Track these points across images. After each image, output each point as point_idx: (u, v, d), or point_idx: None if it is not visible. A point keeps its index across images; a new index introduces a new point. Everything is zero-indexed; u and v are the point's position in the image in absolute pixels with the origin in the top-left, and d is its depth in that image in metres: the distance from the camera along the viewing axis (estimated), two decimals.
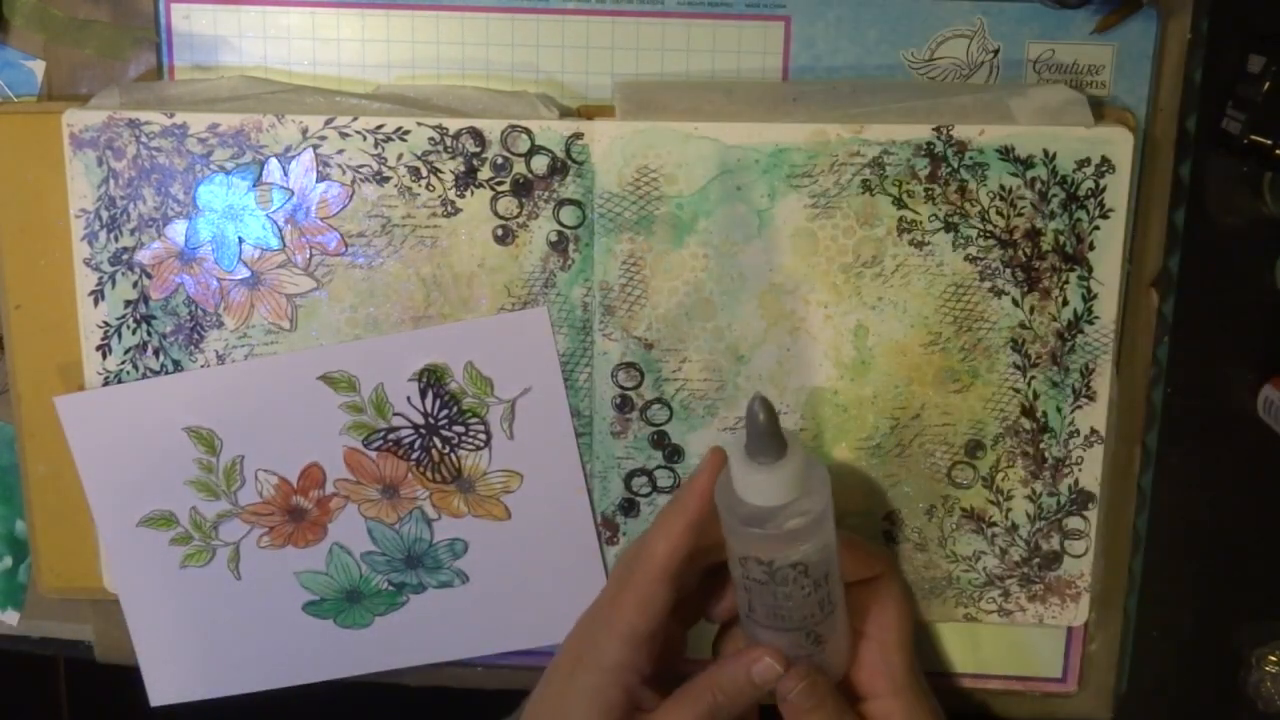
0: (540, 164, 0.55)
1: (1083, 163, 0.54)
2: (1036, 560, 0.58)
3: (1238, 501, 0.61)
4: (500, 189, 0.55)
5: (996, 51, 0.56)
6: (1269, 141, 0.54)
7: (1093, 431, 0.56)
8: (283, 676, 0.60)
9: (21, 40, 0.57)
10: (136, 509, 0.58)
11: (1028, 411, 0.56)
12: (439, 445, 0.57)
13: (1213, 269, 0.58)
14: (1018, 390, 0.56)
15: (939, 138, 0.54)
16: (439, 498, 0.58)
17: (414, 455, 0.57)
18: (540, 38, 0.57)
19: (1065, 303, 0.55)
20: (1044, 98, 0.55)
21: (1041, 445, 0.57)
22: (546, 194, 0.55)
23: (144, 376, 0.56)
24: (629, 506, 0.58)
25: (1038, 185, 0.54)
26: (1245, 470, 0.60)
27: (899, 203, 0.54)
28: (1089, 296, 0.55)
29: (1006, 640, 0.61)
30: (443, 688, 0.62)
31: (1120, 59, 0.56)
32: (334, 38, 0.57)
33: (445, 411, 0.56)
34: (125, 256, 0.55)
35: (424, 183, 0.55)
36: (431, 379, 0.56)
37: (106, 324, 0.56)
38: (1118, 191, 0.54)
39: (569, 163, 0.54)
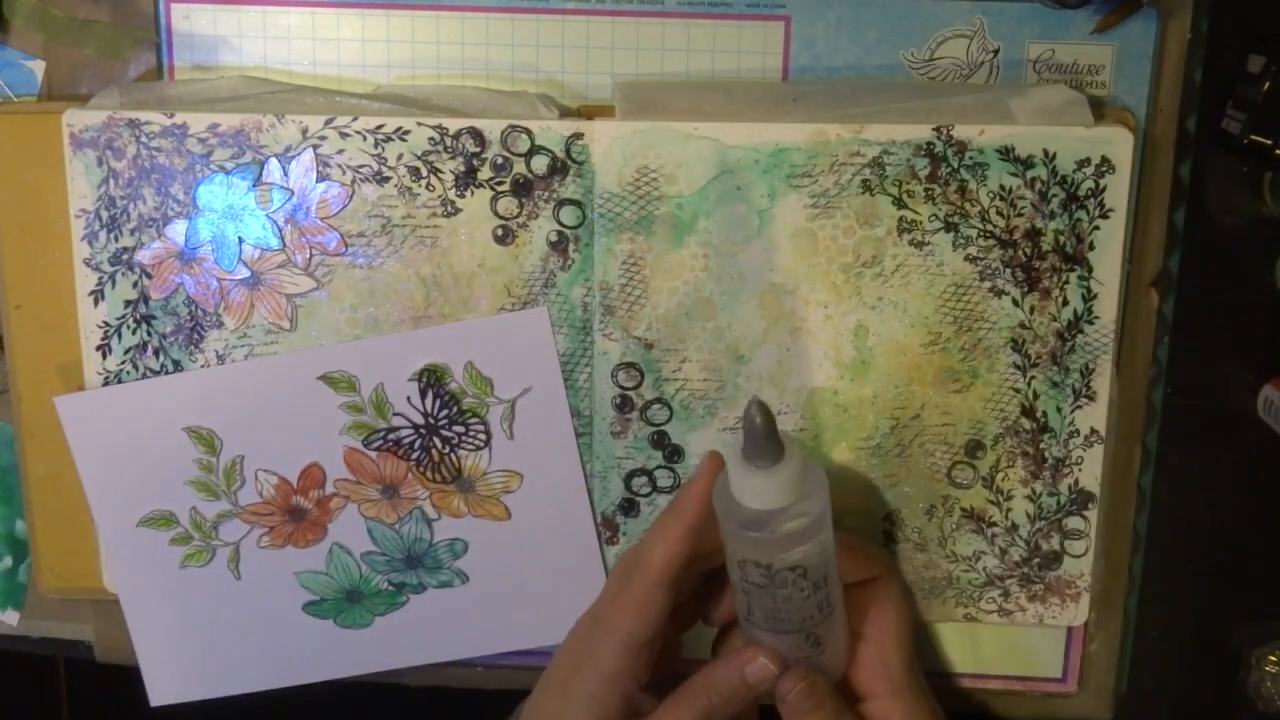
0: (540, 164, 0.55)
1: (1083, 163, 0.54)
2: (1036, 560, 0.58)
3: (1238, 501, 0.61)
4: (500, 189, 0.55)
5: (996, 51, 0.56)
6: (1269, 141, 0.54)
7: (1093, 431, 0.56)
8: (283, 676, 0.60)
9: (21, 40, 0.57)
10: (136, 509, 0.58)
11: (1028, 411, 0.56)
12: (439, 445, 0.57)
13: (1213, 269, 0.58)
14: (1018, 390, 0.56)
15: (939, 138, 0.54)
16: (439, 498, 0.58)
17: (414, 455, 0.57)
18: (540, 38, 0.57)
19: (1065, 303, 0.55)
20: (1044, 98, 0.55)
21: (1041, 445, 0.57)
22: (546, 194, 0.55)
23: (144, 376, 0.56)
24: (629, 506, 0.58)
25: (1038, 185, 0.54)
26: (1245, 470, 0.60)
27: (899, 203, 0.54)
28: (1089, 296, 0.55)
29: (1006, 640, 0.61)
30: (443, 688, 0.62)
31: (1120, 59, 0.56)
32: (334, 38, 0.57)
33: (445, 411, 0.56)
34: (125, 256, 0.55)
35: (424, 183, 0.55)
36: (431, 379, 0.56)
37: (106, 324, 0.56)
38: (1118, 191, 0.54)
39: (569, 163, 0.54)
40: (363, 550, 0.59)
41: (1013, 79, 0.56)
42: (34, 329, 0.58)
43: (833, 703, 0.50)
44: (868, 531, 0.58)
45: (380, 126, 0.54)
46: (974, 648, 0.61)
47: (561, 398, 0.57)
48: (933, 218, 0.55)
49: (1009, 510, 0.57)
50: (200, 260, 0.55)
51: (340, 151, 0.54)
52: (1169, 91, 0.56)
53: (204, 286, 0.56)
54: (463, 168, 0.55)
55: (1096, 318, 0.55)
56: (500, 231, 0.55)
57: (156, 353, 0.56)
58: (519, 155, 0.54)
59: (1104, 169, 0.54)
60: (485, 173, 0.55)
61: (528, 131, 0.54)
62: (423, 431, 0.57)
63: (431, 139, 0.54)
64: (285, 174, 0.55)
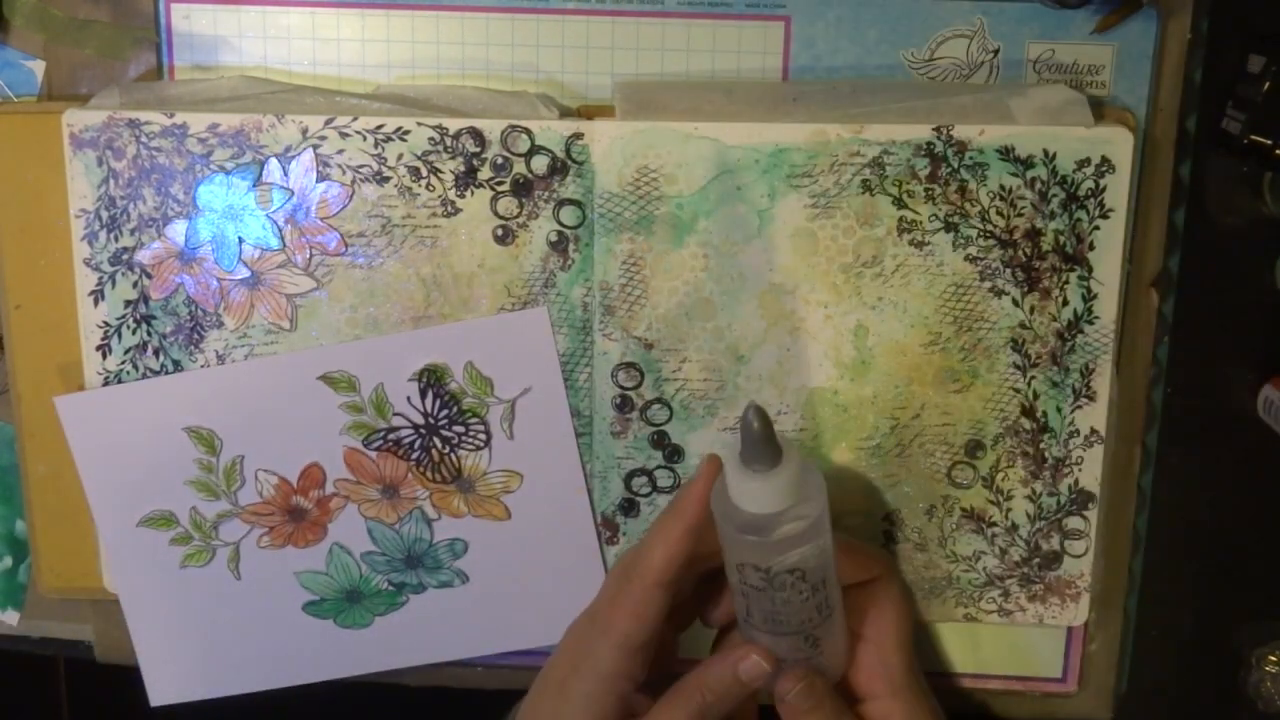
0: (540, 164, 0.55)
1: (1083, 163, 0.54)
2: (1036, 560, 0.58)
3: (1238, 501, 0.61)
4: (500, 189, 0.55)
5: (996, 51, 0.56)
6: (1269, 141, 0.54)
7: (1093, 431, 0.56)
8: (283, 676, 0.60)
9: (21, 40, 0.57)
10: (136, 509, 0.58)
11: (1028, 411, 0.56)
12: (439, 445, 0.57)
13: (1213, 269, 0.58)
14: (1018, 390, 0.56)
15: (939, 138, 0.54)
16: (439, 498, 0.58)
17: (414, 455, 0.57)
18: (540, 38, 0.57)
19: (1065, 303, 0.55)
20: (1044, 98, 0.55)
21: (1041, 445, 0.57)
22: (546, 194, 0.55)
23: (144, 376, 0.56)
24: (629, 506, 0.58)
25: (1038, 185, 0.54)
26: (1245, 470, 0.60)
27: (899, 203, 0.54)
28: (1089, 296, 0.55)
29: (1006, 640, 0.61)
30: (443, 688, 0.62)
31: (1120, 59, 0.56)
32: (334, 38, 0.57)
33: (445, 411, 0.56)
34: (125, 256, 0.55)
35: (424, 183, 0.55)
36: (431, 379, 0.56)
37: (106, 324, 0.56)
38: (1118, 191, 0.54)
39: (569, 163, 0.54)
40: (363, 550, 0.59)
41: (1013, 79, 0.56)
42: (34, 329, 0.58)
43: (831, 703, 0.50)
44: (868, 531, 0.58)
45: (380, 126, 0.54)
46: (974, 648, 0.61)
47: (561, 398, 0.57)
48: (933, 218, 0.55)
49: (1009, 510, 0.57)
50: (200, 260, 0.55)
51: (340, 151, 0.54)
52: (1169, 91, 0.56)
53: (204, 286, 0.56)
54: (463, 168, 0.55)
55: (1096, 318, 0.55)
56: (500, 231, 0.55)
57: (156, 353, 0.56)
58: (519, 155, 0.54)
59: (1104, 169, 0.54)
60: (485, 173, 0.55)
61: (528, 131, 0.54)
62: (423, 431, 0.57)
63: (431, 139, 0.54)
64: (285, 174, 0.55)
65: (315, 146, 0.54)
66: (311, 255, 0.55)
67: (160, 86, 0.57)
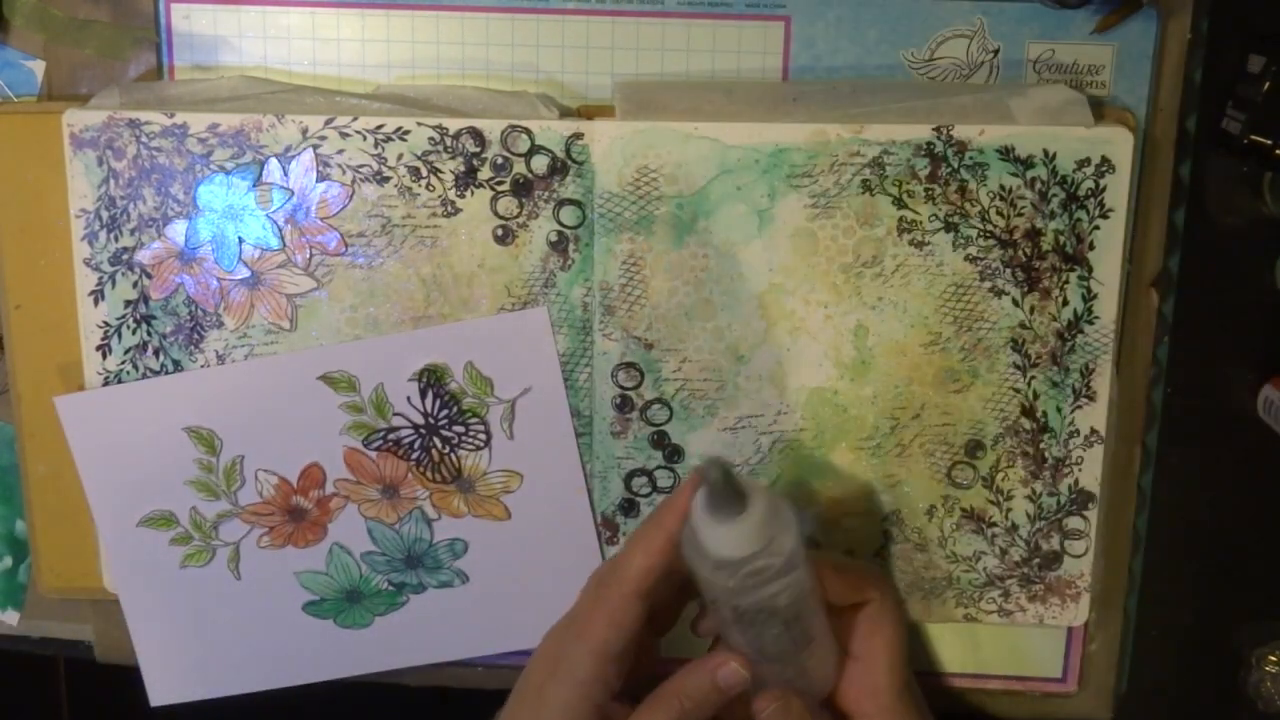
0: (540, 164, 0.55)
1: (1083, 163, 0.54)
2: (1036, 560, 0.58)
3: (1238, 501, 0.61)
4: (500, 189, 0.55)
5: (996, 51, 0.56)
6: (1269, 141, 0.54)
7: (1093, 431, 0.56)
8: (283, 676, 0.60)
9: (21, 40, 0.57)
10: (136, 509, 0.58)
11: (1028, 411, 0.56)
12: (439, 445, 0.57)
13: (1213, 269, 0.58)
14: (1018, 390, 0.56)
15: (939, 138, 0.54)
16: (439, 498, 0.58)
17: (414, 455, 0.57)
18: (540, 38, 0.57)
19: (1065, 303, 0.55)
20: (1044, 98, 0.55)
21: (1041, 445, 0.57)
22: (546, 194, 0.55)
23: (144, 376, 0.56)
24: (629, 506, 0.58)
25: (1038, 185, 0.54)
26: (1245, 470, 0.60)
27: (899, 203, 0.54)
28: (1089, 296, 0.55)
29: (1006, 640, 0.61)
30: (443, 688, 0.62)
31: (1120, 59, 0.56)
32: (334, 38, 0.57)
33: (445, 411, 0.56)
34: (125, 256, 0.55)
35: (424, 183, 0.55)
36: (431, 379, 0.56)
37: (106, 324, 0.56)
38: (1118, 191, 0.54)
39: (569, 163, 0.54)
40: (363, 550, 0.59)
41: (1013, 79, 0.56)
42: (34, 329, 0.58)
43: None
44: (868, 531, 0.58)
45: (380, 126, 0.54)
46: (974, 648, 0.61)
47: (561, 398, 0.57)
48: (933, 218, 0.55)
49: (1009, 510, 0.57)
50: (200, 260, 0.55)
51: (340, 151, 0.54)
52: (1169, 91, 0.56)
53: (204, 286, 0.56)
54: (463, 168, 0.55)
55: (1096, 318, 0.55)
56: (500, 231, 0.55)
57: (156, 353, 0.56)
58: (519, 155, 0.54)
59: (1104, 169, 0.54)
60: (485, 173, 0.55)
61: (528, 131, 0.54)
62: (423, 431, 0.57)
63: (431, 139, 0.54)
64: (285, 174, 0.55)
65: (315, 146, 0.54)
66: (311, 255, 0.55)
67: (160, 86, 0.57)
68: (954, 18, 0.56)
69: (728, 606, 0.47)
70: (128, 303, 0.56)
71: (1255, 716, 0.62)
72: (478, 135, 0.54)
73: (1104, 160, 0.54)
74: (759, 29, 0.56)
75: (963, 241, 0.55)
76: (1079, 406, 0.56)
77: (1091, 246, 0.55)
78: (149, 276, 0.56)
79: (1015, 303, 0.55)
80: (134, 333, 0.56)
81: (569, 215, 0.55)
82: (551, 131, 0.54)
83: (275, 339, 0.56)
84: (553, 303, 0.56)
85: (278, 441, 0.57)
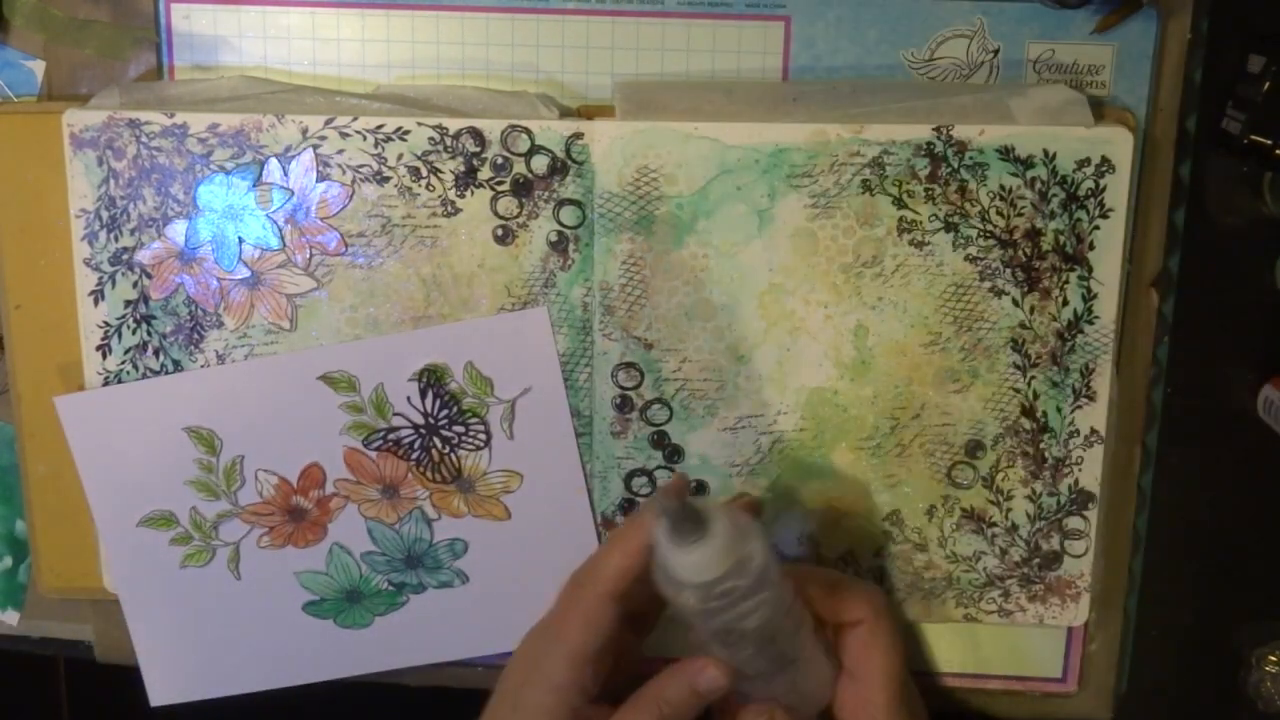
0: (540, 164, 0.55)
1: (1083, 163, 0.54)
2: (1036, 560, 0.58)
3: (1238, 501, 0.61)
4: (500, 189, 0.55)
5: (996, 51, 0.56)
6: (1269, 141, 0.54)
7: (1093, 431, 0.56)
8: (283, 676, 0.60)
9: (21, 40, 0.57)
10: (136, 509, 0.58)
11: (1028, 411, 0.56)
12: (439, 445, 0.57)
13: (1213, 269, 0.58)
14: (1018, 390, 0.56)
15: (939, 138, 0.54)
16: (439, 498, 0.58)
17: (414, 455, 0.57)
18: (540, 38, 0.57)
19: (1065, 303, 0.55)
20: (1044, 98, 0.55)
21: (1041, 445, 0.57)
22: (546, 194, 0.55)
23: (144, 376, 0.56)
24: (629, 506, 0.58)
25: (1038, 185, 0.54)
26: (1245, 470, 0.60)
27: (899, 203, 0.54)
28: (1089, 296, 0.55)
29: (1006, 640, 0.61)
30: (443, 688, 0.62)
31: (1120, 59, 0.56)
32: (334, 38, 0.57)
33: (445, 411, 0.56)
34: (125, 256, 0.55)
35: (424, 183, 0.55)
36: (431, 379, 0.56)
37: (106, 324, 0.56)
38: (1118, 191, 0.54)
39: (569, 163, 0.54)
40: (363, 550, 0.59)
41: (1013, 79, 0.56)
42: (34, 329, 0.58)
43: None
44: (868, 531, 0.58)
45: (380, 126, 0.54)
46: (974, 648, 0.61)
47: (561, 398, 0.57)
48: (933, 218, 0.55)
49: (1009, 510, 0.57)
50: (200, 260, 0.55)
51: (340, 151, 0.54)
52: (1169, 91, 0.56)
53: (204, 286, 0.56)
54: (463, 168, 0.55)
55: (1096, 318, 0.55)
56: (500, 231, 0.55)
57: (156, 353, 0.56)
58: (519, 155, 0.54)
59: (1104, 169, 0.54)
60: (485, 173, 0.55)
61: (528, 131, 0.54)
62: (423, 431, 0.57)
63: (431, 139, 0.54)
64: (285, 174, 0.55)
65: (315, 146, 0.54)
66: (311, 255, 0.55)
67: (160, 86, 0.57)
68: (954, 18, 0.56)
69: (703, 629, 0.46)
70: (128, 303, 0.56)
71: (1255, 716, 0.62)
72: (478, 135, 0.54)
73: (1104, 160, 0.54)
74: (759, 29, 0.56)
75: (963, 241, 0.55)
76: (1079, 406, 0.56)
77: (1091, 246, 0.55)
78: (149, 276, 0.56)
79: (1015, 303, 0.55)
80: (134, 333, 0.56)
81: (569, 215, 0.55)
82: (551, 131, 0.54)
83: (275, 339, 0.56)
84: (553, 303, 0.56)
85: (278, 441, 0.57)
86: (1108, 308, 0.55)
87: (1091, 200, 0.54)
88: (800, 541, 0.58)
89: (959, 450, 0.57)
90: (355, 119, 0.54)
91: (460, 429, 0.57)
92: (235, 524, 0.58)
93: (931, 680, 0.61)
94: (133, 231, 0.55)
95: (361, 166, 0.54)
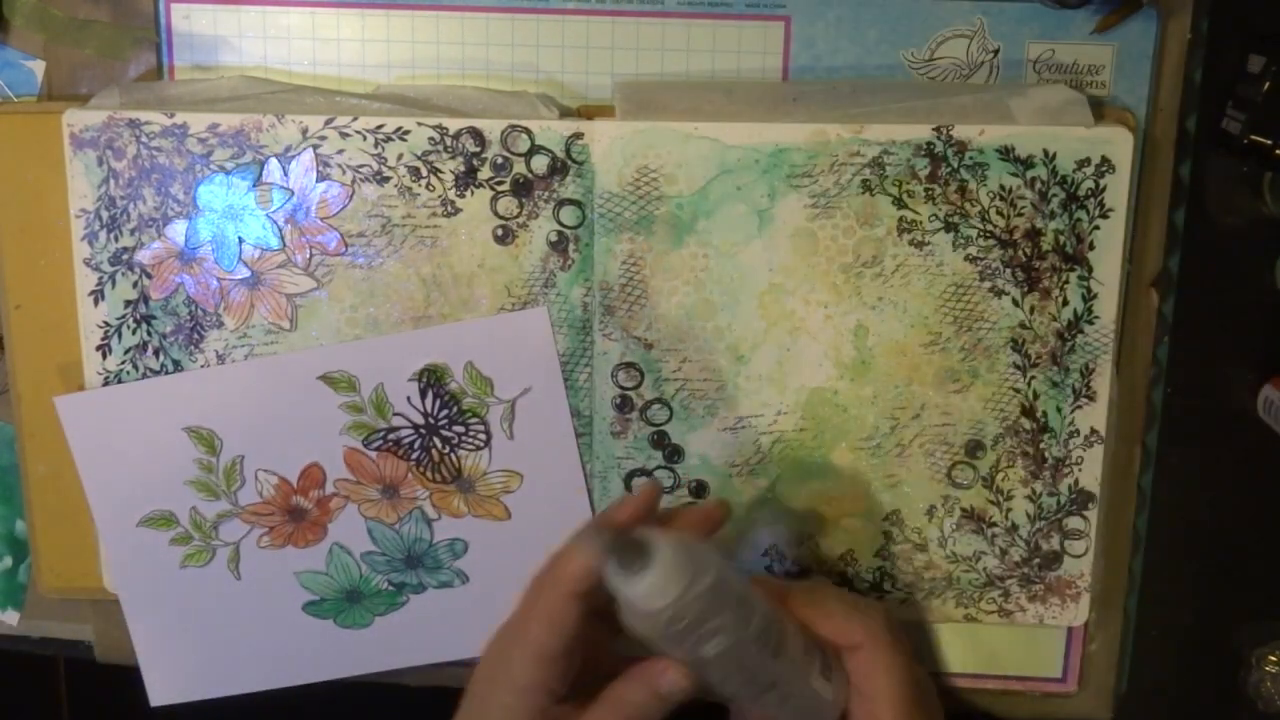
0: (540, 164, 0.55)
1: (1083, 163, 0.54)
2: (1036, 560, 0.58)
3: (1238, 501, 0.61)
4: (500, 189, 0.55)
5: (996, 51, 0.56)
6: (1269, 141, 0.54)
7: (1093, 431, 0.56)
8: (283, 676, 0.60)
9: (21, 40, 0.57)
10: (136, 509, 0.58)
11: (1028, 411, 0.56)
12: (439, 445, 0.57)
13: (1213, 269, 0.58)
14: (1018, 390, 0.56)
15: (939, 138, 0.54)
16: (439, 498, 0.58)
17: (414, 455, 0.57)
18: (540, 38, 0.57)
19: (1065, 303, 0.55)
20: (1044, 98, 0.55)
21: (1041, 445, 0.57)
22: (546, 194, 0.55)
23: (144, 376, 0.56)
24: None
25: (1038, 185, 0.54)
26: (1245, 470, 0.60)
27: (899, 203, 0.54)
28: (1089, 296, 0.55)
29: (1006, 640, 0.61)
30: (443, 688, 0.62)
31: (1120, 59, 0.56)
32: (334, 38, 0.57)
33: (445, 411, 0.56)
34: (125, 256, 0.55)
35: (424, 183, 0.55)
36: (431, 379, 0.56)
37: (106, 324, 0.56)
38: (1118, 191, 0.54)
39: (569, 163, 0.54)
40: (363, 550, 0.59)
41: (1013, 79, 0.56)
42: (34, 329, 0.58)
43: None
44: (868, 531, 0.58)
45: (380, 126, 0.54)
46: (974, 648, 0.61)
47: (561, 398, 0.57)
48: (933, 218, 0.55)
49: (1009, 510, 0.57)
50: (200, 260, 0.55)
51: (340, 151, 0.54)
52: (1169, 91, 0.56)
53: (204, 286, 0.56)
54: (463, 168, 0.55)
55: (1096, 318, 0.55)
56: (500, 231, 0.55)
57: (156, 353, 0.56)
58: (519, 155, 0.54)
59: (1104, 169, 0.54)
60: (485, 173, 0.55)
61: (528, 131, 0.54)
62: (423, 431, 0.57)
63: (431, 139, 0.54)
64: (285, 174, 0.55)
65: (315, 146, 0.54)
66: (311, 255, 0.55)
67: (160, 86, 0.57)
68: (954, 18, 0.56)
69: (666, 654, 0.46)
70: (128, 303, 0.56)
71: (1255, 716, 0.62)
72: (478, 135, 0.54)
73: (1104, 160, 0.54)
74: (759, 29, 0.56)
75: (963, 241, 0.55)
76: (1079, 406, 0.56)
77: (1091, 246, 0.55)
78: (149, 276, 0.56)
79: (1015, 303, 0.55)
80: (134, 333, 0.56)
81: (569, 215, 0.55)
82: (551, 131, 0.54)
83: (275, 339, 0.56)
84: (553, 303, 0.56)
85: (278, 441, 0.57)
86: (1108, 308, 0.55)
87: (1091, 200, 0.54)
88: (769, 554, 0.58)
89: (959, 450, 0.57)
90: (355, 119, 0.54)
91: (460, 429, 0.57)
92: (235, 524, 0.58)
93: (932, 680, 0.61)
94: (133, 231, 0.55)
95: (361, 166, 0.54)
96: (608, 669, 0.50)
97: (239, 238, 0.55)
